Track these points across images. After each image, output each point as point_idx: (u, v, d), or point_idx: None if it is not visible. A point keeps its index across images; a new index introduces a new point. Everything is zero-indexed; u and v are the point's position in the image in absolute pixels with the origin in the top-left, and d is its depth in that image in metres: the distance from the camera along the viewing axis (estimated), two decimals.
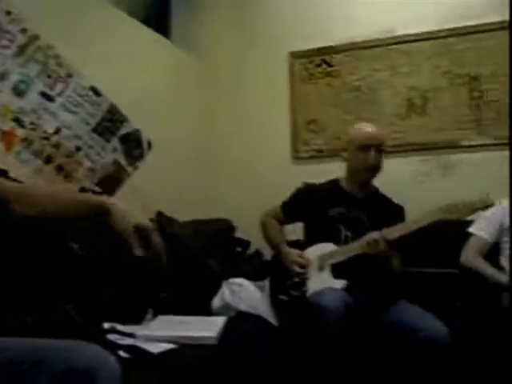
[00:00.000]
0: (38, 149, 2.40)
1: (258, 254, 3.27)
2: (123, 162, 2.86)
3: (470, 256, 2.75)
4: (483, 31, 3.41)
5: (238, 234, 3.35)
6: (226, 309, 2.55)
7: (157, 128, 3.12)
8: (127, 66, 3.03)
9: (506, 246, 2.75)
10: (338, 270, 2.40)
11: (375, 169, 2.54)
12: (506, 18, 3.31)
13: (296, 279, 2.48)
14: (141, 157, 2.97)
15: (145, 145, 2.99)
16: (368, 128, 2.57)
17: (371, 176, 2.57)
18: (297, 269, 2.48)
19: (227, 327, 2.18)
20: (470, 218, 2.49)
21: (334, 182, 2.66)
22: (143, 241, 1.39)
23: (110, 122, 2.79)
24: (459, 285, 2.78)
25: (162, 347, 1.88)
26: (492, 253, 2.76)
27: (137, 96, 3.04)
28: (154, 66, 3.31)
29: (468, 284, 2.73)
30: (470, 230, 2.81)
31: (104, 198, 1.44)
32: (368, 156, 2.50)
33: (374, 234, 2.29)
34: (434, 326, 2.21)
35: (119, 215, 1.38)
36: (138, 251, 1.33)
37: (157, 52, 3.41)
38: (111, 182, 2.80)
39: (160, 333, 2.01)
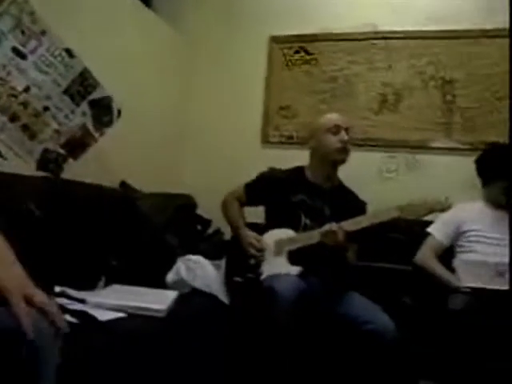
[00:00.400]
0: (5, 105, 2.35)
1: (218, 233, 3.27)
2: (91, 127, 2.82)
3: (425, 256, 2.80)
4: (462, 37, 3.46)
5: (201, 212, 3.35)
6: (180, 284, 2.55)
7: (129, 96, 3.08)
8: (105, 31, 2.98)
9: (461, 249, 2.81)
10: (294, 257, 2.42)
11: (346, 150, 2.55)
12: (486, 26, 3.37)
13: (252, 261, 2.50)
14: (109, 123, 2.93)
15: (115, 112, 2.95)
16: (333, 113, 2.65)
17: (342, 157, 2.57)
18: (252, 251, 2.50)
19: (178, 302, 2.19)
20: (429, 218, 2.53)
21: (299, 170, 2.66)
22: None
23: (82, 86, 2.75)
24: (410, 282, 2.83)
25: (111, 315, 1.88)
26: (446, 254, 2.82)
27: (112, 62, 3.00)
28: (132, 34, 3.26)
29: (418, 282, 2.79)
30: (428, 230, 2.86)
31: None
32: (340, 136, 2.53)
33: (333, 225, 2.31)
34: (382, 320, 2.27)
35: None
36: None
37: (137, 20, 3.36)
38: (77, 145, 2.76)
39: (110, 301, 2.00)
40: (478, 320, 2.28)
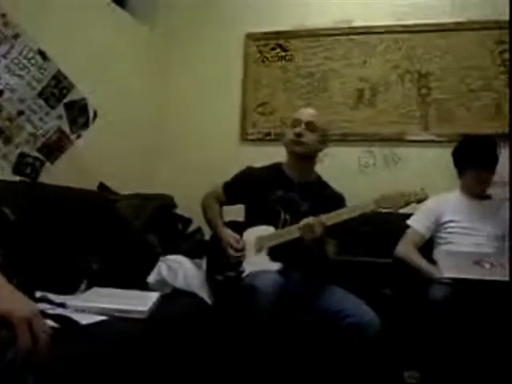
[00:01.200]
0: None
1: (198, 232, 3.26)
2: (67, 129, 2.79)
3: (405, 248, 2.83)
4: (436, 31, 3.49)
5: (181, 211, 3.34)
6: (161, 285, 2.54)
7: (105, 97, 3.06)
8: (79, 32, 2.96)
9: (440, 240, 2.84)
10: (275, 253, 2.43)
11: (298, 142, 2.57)
12: (461, 19, 3.41)
13: (232, 260, 2.50)
14: (85, 126, 2.90)
15: (90, 114, 2.93)
16: (305, 108, 2.69)
17: (295, 150, 2.59)
18: (231, 252, 2.50)
19: (160, 303, 2.19)
20: (407, 210, 2.56)
21: (277, 166, 2.68)
22: None
23: (56, 88, 2.72)
24: (390, 275, 2.85)
25: (92, 318, 1.87)
26: (426, 245, 2.85)
27: (86, 64, 2.98)
28: (106, 35, 3.24)
29: (398, 274, 2.81)
30: (408, 222, 2.88)
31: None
32: (295, 129, 2.56)
33: (311, 219, 2.32)
34: (364, 313, 2.29)
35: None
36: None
37: (111, 21, 3.34)
38: (53, 149, 2.73)
39: (91, 304, 1.99)
40: (458, 310, 2.31)
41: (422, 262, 2.72)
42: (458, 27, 3.45)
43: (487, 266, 2.46)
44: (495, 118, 3.34)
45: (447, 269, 2.48)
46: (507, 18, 3.30)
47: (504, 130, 3.24)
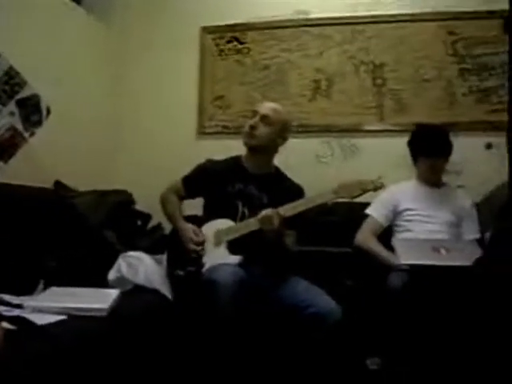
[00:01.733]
0: None
1: (158, 227, 3.24)
2: (20, 127, 2.74)
3: (364, 237, 2.87)
4: (390, 22, 3.53)
5: (140, 207, 3.31)
6: (121, 282, 2.52)
7: (58, 94, 3.01)
8: (31, 28, 2.89)
9: (398, 228, 2.89)
10: (234, 246, 2.43)
11: (249, 134, 2.58)
12: (415, 11, 3.48)
13: (192, 254, 2.49)
14: (39, 123, 2.85)
15: (43, 111, 2.88)
16: (266, 102, 2.69)
17: (245, 141, 2.61)
18: (191, 246, 2.50)
19: (120, 300, 2.17)
20: (366, 199, 2.59)
21: (236, 159, 2.67)
22: None
23: (8, 85, 2.66)
24: (350, 264, 2.89)
25: (51, 319, 1.84)
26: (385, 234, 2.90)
27: (38, 60, 2.92)
28: (59, 31, 3.18)
29: (358, 263, 2.85)
30: (367, 211, 2.92)
31: None
32: (250, 121, 2.58)
33: (269, 210, 2.33)
34: (325, 302, 2.31)
35: None
36: None
37: (64, 17, 3.27)
38: (6, 147, 2.68)
39: (50, 304, 1.96)
40: (417, 296, 2.35)
41: (381, 250, 2.76)
42: (411, 18, 3.50)
43: (443, 251, 2.51)
44: (448, 107, 3.40)
45: (406, 256, 2.52)
46: (459, 9, 3.40)
47: (456, 119, 3.32)
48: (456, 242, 2.69)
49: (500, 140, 3.20)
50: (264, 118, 2.56)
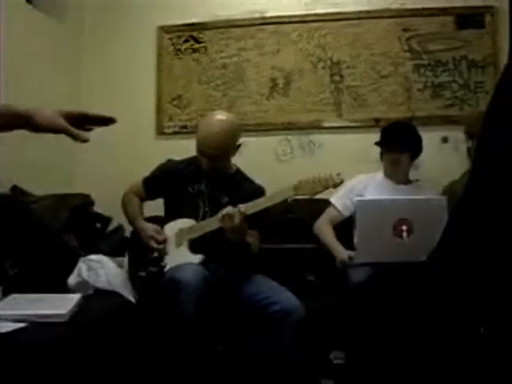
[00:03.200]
0: None
1: (119, 230, 3.21)
2: None
3: (319, 224, 2.90)
4: (345, 19, 3.57)
5: (100, 210, 3.27)
6: (82, 286, 2.48)
7: (14, 96, 2.94)
8: None
9: None
10: (196, 245, 2.44)
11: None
12: (368, 7, 3.53)
13: (154, 254, 2.48)
14: None
15: None
16: (210, 130, 2.48)
17: (204, 161, 2.55)
18: (154, 244, 2.49)
19: (82, 304, 2.14)
20: (326, 195, 2.61)
21: (196, 159, 2.65)
22: None
23: None
24: (313, 260, 2.91)
25: (10, 326, 1.80)
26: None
27: None
28: (15, 31, 3.11)
29: (321, 259, 2.87)
30: (330, 199, 2.93)
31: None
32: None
33: (230, 209, 2.32)
34: (287, 299, 2.32)
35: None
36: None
37: (19, 16, 3.20)
38: None
39: (8, 312, 1.92)
40: (378, 291, 2.38)
41: (330, 241, 2.80)
42: (366, 15, 3.55)
43: (405, 235, 2.44)
44: (405, 102, 3.45)
45: (363, 254, 2.52)
46: (412, 6, 3.47)
47: (413, 113, 3.38)
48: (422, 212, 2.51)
49: (455, 134, 3.30)
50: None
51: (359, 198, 2.67)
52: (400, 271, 2.47)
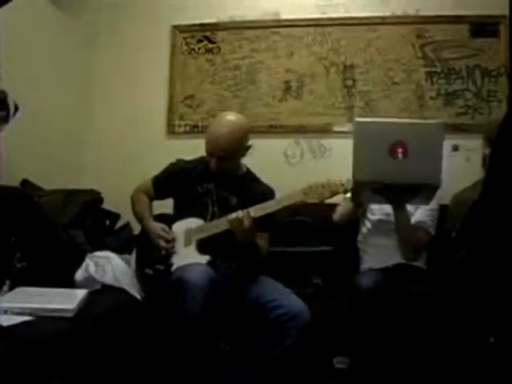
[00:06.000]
0: None
1: (126, 227, 3.22)
2: None
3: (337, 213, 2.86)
4: (360, 24, 3.57)
5: (109, 207, 3.28)
6: (90, 282, 2.49)
7: (27, 91, 2.95)
8: None
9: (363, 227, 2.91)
10: (204, 246, 2.43)
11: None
12: (383, 13, 3.53)
13: (162, 253, 2.48)
14: (6, 120, 2.80)
15: (11, 107, 2.82)
16: (219, 131, 2.50)
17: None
18: (162, 243, 2.49)
19: (88, 300, 2.15)
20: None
21: (204, 159, 2.65)
22: None
23: None
24: (321, 264, 2.91)
25: (16, 319, 1.82)
26: None
27: (5, 55, 2.87)
28: (26, 24, 3.12)
29: (328, 263, 2.87)
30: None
31: None
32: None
33: (239, 212, 2.33)
34: (293, 303, 2.33)
35: None
36: None
37: (32, 12, 3.21)
38: None
39: (15, 304, 1.93)
40: (385, 296, 2.38)
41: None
42: (381, 21, 3.54)
43: (400, 155, 2.27)
44: (417, 109, 3.45)
45: (360, 172, 2.35)
46: (427, 13, 3.46)
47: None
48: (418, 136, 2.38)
49: (465, 142, 3.29)
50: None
51: (357, 119, 2.58)
52: (408, 276, 2.47)
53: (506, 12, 3.19)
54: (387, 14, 3.54)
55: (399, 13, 3.52)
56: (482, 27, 3.41)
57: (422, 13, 3.48)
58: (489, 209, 1.09)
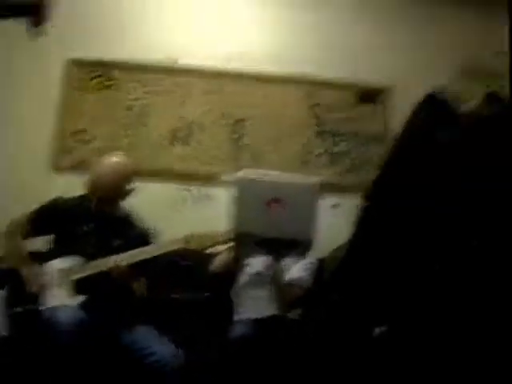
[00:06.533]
0: None
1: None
2: None
3: None
4: (256, 79, 3.71)
5: None
6: None
7: None
8: None
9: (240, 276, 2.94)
10: (78, 287, 2.38)
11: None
12: (283, 70, 3.70)
13: (32, 292, 2.40)
14: None
15: None
16: (101, 171, 2.60)
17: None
18: (32, 286, 2.41)
19: None
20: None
21: (84, 198, 2.63)
22: None
23: None
24: (201, 311, 2.91)
25: None
26: None
27: None
28: None
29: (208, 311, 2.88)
30: None
31: None
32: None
33: (111, 261, 2.35)
34: (163, 350, 2.32)
35: None
36: None
37: None
38: None
39: None
40: (260, 345, 2.41)
41: None
42: (276, 78, 3.70)
43: (276, 206, 2.50)
44: (302, 165, 3.60)
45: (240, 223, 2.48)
46: (320, 76, 3.66)
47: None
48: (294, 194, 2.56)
49: (345, 201, 3.46)
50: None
51: (238, 174, 2.66)
52: (278, 326, 2.53)
53: (388, 83, 3.48)
54: (284, 71, 3.69)
55: (295, 72, 3.68)
56: (367, 95, 3.65)
57: (316, 75, 3.67)
58: (353, 260, 1.18)
